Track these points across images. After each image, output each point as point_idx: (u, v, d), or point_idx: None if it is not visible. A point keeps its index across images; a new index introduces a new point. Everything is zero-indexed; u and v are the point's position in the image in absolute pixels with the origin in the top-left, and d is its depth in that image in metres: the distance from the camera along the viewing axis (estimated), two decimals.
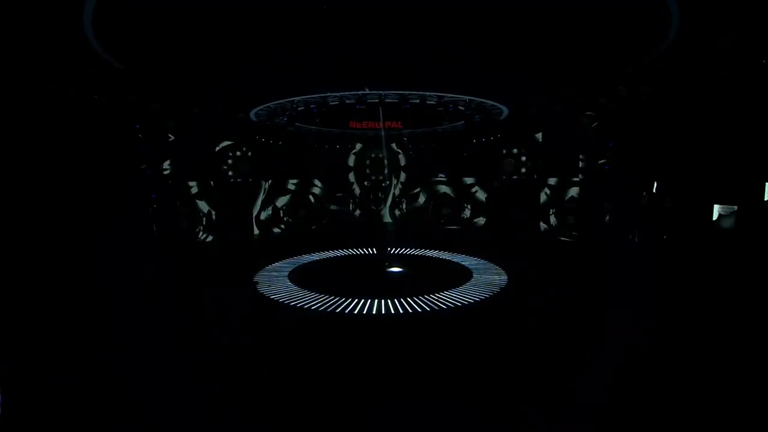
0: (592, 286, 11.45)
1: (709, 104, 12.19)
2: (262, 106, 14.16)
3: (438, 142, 20.47)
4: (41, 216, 11.94)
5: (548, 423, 5.36)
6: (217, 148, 18.21)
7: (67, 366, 7.02)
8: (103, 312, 9.64)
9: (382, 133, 16.84)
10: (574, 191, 16.98)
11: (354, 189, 21.74)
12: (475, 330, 8.73)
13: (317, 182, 21.19)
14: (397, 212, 21.91)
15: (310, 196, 21.08)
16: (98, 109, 13.24)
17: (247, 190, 19.17)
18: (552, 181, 17.76)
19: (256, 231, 19.63)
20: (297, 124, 15.90)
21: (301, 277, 12.92)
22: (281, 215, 20.42)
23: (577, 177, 16.68)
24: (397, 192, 21.81)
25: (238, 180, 18.88)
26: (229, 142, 18.47)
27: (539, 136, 18.04)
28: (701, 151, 12.59)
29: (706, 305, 9.57)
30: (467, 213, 20.92)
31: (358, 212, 21.85)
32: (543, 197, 18.17)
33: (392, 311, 9.76)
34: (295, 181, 20.64)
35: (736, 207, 11.97)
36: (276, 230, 20.07)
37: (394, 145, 21.30)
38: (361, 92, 12.76)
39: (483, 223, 20.57)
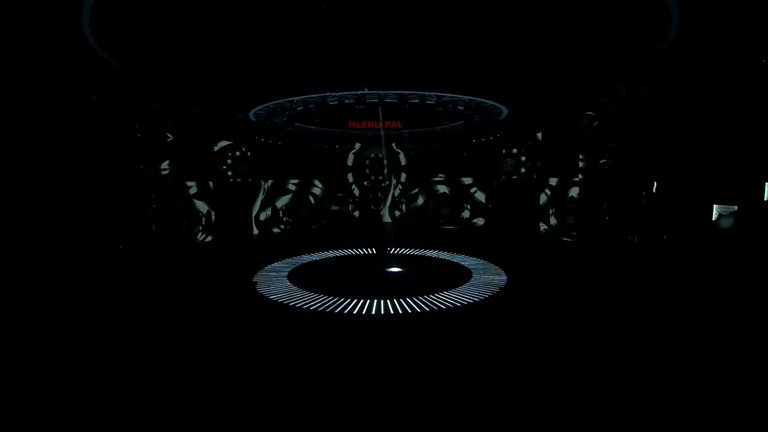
0: (592, 286, 11.45)
1: (709, 104, 12.19)
2: (261, 106, 14.13)
3: (437, 142, 20.48)
4: (41, 216, 11.92)
5: (548, 423, 5.35)
6: (216, 148, 18.19)
7: (67, 366, 7.02)
8: (103, 312, 9.62)
9: (382, 133, 16.83)
10: (573, 191, 16.97)
11: (353, 189, 21.74)
12: (474, 330, 8.71)
13: (317, 182, 21.19)
14: (397, 213, 21.92)
15: (310, 197, 21.08)
16: (97, 109, 13.22)
17: (247, 191, 19.16)
18: (553, 181, 17.75)
19: (255, 231, 19.62)
20: (296, 124, 15.87)
21: (300, 277, 12.91)
22: (281, 215, 20.41)
23: (577, 177, 16.66)
24: (397, 192, 21.82)
25: (238, 180, 18.86)
26: (228, 142, 18.45)
27: (539, 136, 18.03)
28: (701, 151, 12.58)
29: (705, 305, 9.56)
30: (467, 213, 20.93)
31: (357, 213, 21.85)
32: (543, 197, 18.17)
33: (391, 311, 9.75)
34: (294, 181, 20.63)
35: (735, 207, 11.97)
36: (276, 230, 20.07)
37: (393, 145, 21.31)
38: (360, 92, 12.73)
39: (482, 223, 20.58)
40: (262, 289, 11.67)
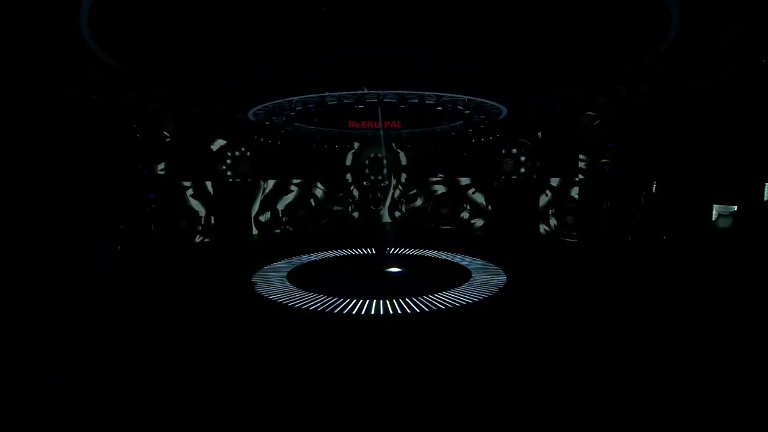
0: (591, 286, 11.44)
1: (709, 104, 12.18)
2: (260, 106, 14.12)
3: (437, 142, 20.49)
4: (41, 216, 11.91)
5: (548, 423, 5.35)
6: (215, 148, 18.18)
7: (67, 366, 7.00)
8: (103, 312, 9.61)
9: (381, 133, 16.83)
10: (573, 191, 16.96)
11: (352, 189, 21.74)
12: (474, 330, 8.70)
13: (316, 182, 21.19)
14: (397, 214, 21.93)
15: (311, 200, 21.08)
16: (97, 109, 13.20)
17: (246, 191, 19.16)
18: (554, 182, 17.74)
19: (254, 231, 19.63)
20: (296, 123, 15.86)
21: (299, 277, 12.90)
22: (280, 216, 20.41)
23: (577, 177, 16.66)
24: (397, 193, 21.83)
25: (237, 180, 18.86)
26: (227, 142, 18.45)
27: (539, 136, 18.03)
28: (701, 151, 12.57)
29: (705, 305, 9.56)
30: (466, 213, 20.94)
31: (356, 214, 21.84)
32: (543, 197, 18.17)
33: (390, 312, 9.74)
34: (292, 181, 20.62)
35: (734, 207, 11.96)
36: (276, 231, 20.07)
37: (393, 145, 21.32)
38: (360, 92, 12.72)
39: (481, 224, 20.59)
40: (261, 289, 11.65)
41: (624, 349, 7.40)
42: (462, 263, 14.56)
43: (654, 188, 13.50)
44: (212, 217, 17.87)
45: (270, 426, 5.46)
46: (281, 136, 19.07)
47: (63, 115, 12.42)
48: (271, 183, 20.15)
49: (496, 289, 11.39)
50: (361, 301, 10.36)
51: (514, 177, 19.07)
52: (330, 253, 16.46)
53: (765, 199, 11.15)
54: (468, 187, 20.80)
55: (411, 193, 21.82)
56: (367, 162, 21.46)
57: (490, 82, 12.21)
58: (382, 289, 11.39)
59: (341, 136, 19.56)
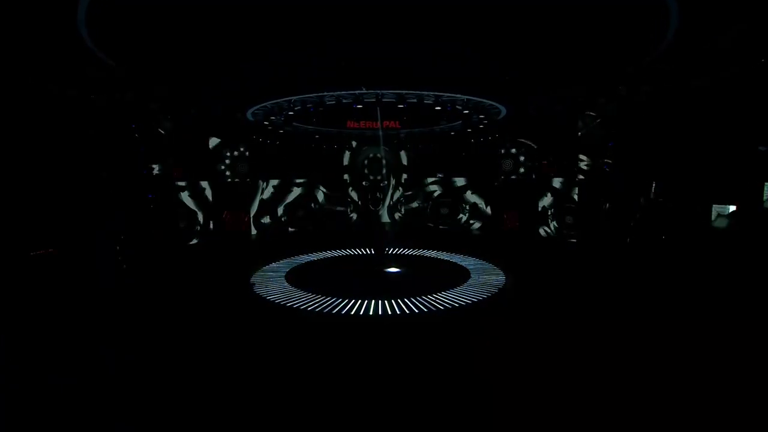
0: (591, 287, 11.44)
1: (709, 104, 12.17)
2: (258, 106, 14.10)
3: (436, 142, 20.51)
4: (41, 216, 11.90)
5: (548, 423, 5.35)
6: (214, 148, 18.16)
7: (67, 366, 6.99)
8: (103, 312, 9.59)
9: (380, 132, 16.81)
10: (573, 191, 16.96)
11: (350, 190, 21.72)
12: (474, 330, 8.70)
13: (315, 182, 21.17)
14: (397, 216, 21.92)
15: (312, 203, 21.08)
16: (97, 108, 13.18)
17: (245, 190, 19.14)
18: (556, 182, 17.72)
19: (253, 231, 19.61)
20: (294, 123, 15.84)
21: (298, 277, 12.88)
22: (279, 216, 20.40)
23: (577, 177, 16.65)
24: (396, 193, 21.83)
25: (236, 180, 18.85)
26: (226, 142, 18.43)
27: (538, 136, 18.03)
28: (700, 151, 12.57)
29: (705, 305, 9.55)
30: (465, 213, 20.94)
31: (354, 215, 21.83)
32: (541, 197, 18.16)
33: (389, 312, 9.73)
34: (288, 180, 20.57)
35: (733, 207, 11.97)
36: (271, 228, 20.05)
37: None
38: (358, 92, 12.69)
39: (480, 224, 20.58)
40: (260, 289, 11.63)
41: (624, 349, 7.39)
42: (461, 263, 14.56)
43: (653, 188, 13.50)
44: (211, 222, 17.85)
45: (269, 426, 5.44)
46: (280, 135, 19.06)
47: (63, 115, 12.40)
48: (270, 183, 20.12)
49: (495, 289, 11.40)
50: (360, 301, 10.35)
51: (513, 177, 19.06)
52: (329, 254, 16.45)
53: (765, 198, 11.16)
54: (467, 187, 20.78)
55: (410, 193, 21.80)
56: (366, 162, 21.43)
57: (490, 81, 12.20)
58: (381, 290, 11.38)
59: (340, 136, 19.55)
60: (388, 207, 21.94)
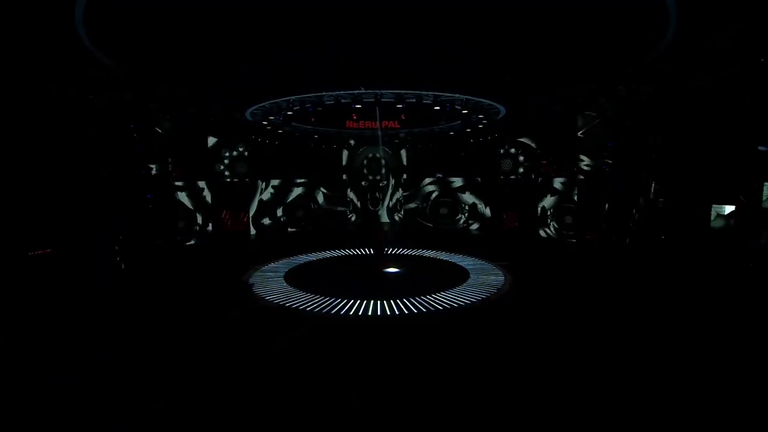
0: (591, 287, 11.44)
1: (709, 104, 12.18)
2: (257, 106, 14.07)
3: (435, 141, 20.52)
4: (41, 216, 11.89)
5: (548, 423, 5.33)
6: (212, 148, 18.12)
7: (67, 366, 6.95)
8: (103, 312, 9.56)
9: (379, 132, 16.79)
10: (572, 191, 16.95)
11: (348, 190, 21.69)
12: (474, 330, 8.68)
13: (314, 182, 21.14)
14: (397, 217, 21.90)
15: (312, 203, 21.05)
16: (97, 109, 13.15)
17: (244, 190, 19.11)
18: (556, 182, 17.69)
19: (252, 231, 19.57)
20: (293, 123, 15.80)
21: (296, 278, 12.85)
22: (278, 216, 20.37)
23: (577, 177, 16.65)
24: (395, 193, 21.81)
25: (235, 180, 18.81)
26: (225, 142, 18.39)
27: (537, 136, 18.02)
28: (700, 151, 12.57)
29: (704, 305, 9.55)
30: (465, 213, 20.93)
31: (353, 216, 21.80)
32: (541, 196, 18.14)
33: (388, 312, 9.70)
34: (287, 180, 20.54)
35: (732, 207, 11.97)
36: (270, 229, 20.01)
37: (393, 145, 21.29)
38: (357, 91, 12.66)
39: (479, 224, 20.57)
40: (259, 289, 11.60)
41: (623, 349, 7.38)
42: (460, 263, 14.54)
43: (653, 188, 13.49)
44: (210, 223, 17.81)
45: (269, 426, 5.42)
46: (279, 135, 19.04)
47: (63, 115, 12.37)
48: (269, 183, 20.09)
49: (494, 290, 11.38)
50: (359, 301, 10.33)
51: (512, 177, 19.05)
52: (328, 254, 16.42)
53: (765, 198, 11.16)
54: (467, 187, 20.77)
55: (410, 193, 21.78)
56: (365, 162, 21.41)
57: (489, 81, 12.18)
58: (380, 290, 11.35)
59: (339, 136, 19.53)
60: (387, 207, 21.92)
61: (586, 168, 15.96)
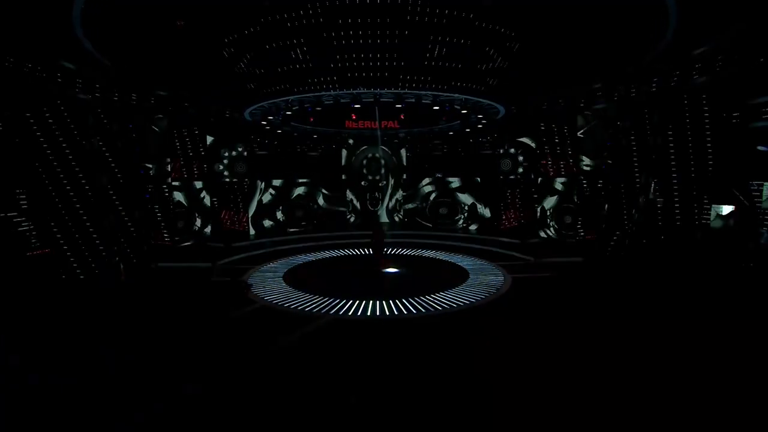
0: (591, 287, 11.42)
1: (709, 104, 12.16)
2: (255, 106, 14.01)
3: (434, 141, 20.48)
4: (41, 216, 11.90)
5: (548, 422, 5.31)
6: (211, 148, 18.06)
7: (67, 366, 6.94)
8: (103, 312, 9.55)
9: (378, 132, 16.73)
10: (571, 192, 16.89)
11: (348, 190, 21.64)
12: (474, 330, 8.66)
13: (313, 182, 21.09)
14: (397, 218, 21.85)
15: (313, 204, 21.00)
16: (94, 108, 13.15)
17: (243, 191, 19.06)
18: (556, 182, 17.61)
19: (252, 231, 19.52)
20: (292, 123, 15.74)
21: (295, 278, 12.82)
22: (277, 216, 20.33)
23: (577, 177, 16.60)
24: (394, 193, 21.76)
25: (234, 180, 18.76)
26: (224, 142, 18.34)
27: (537, 136, 17.95)
28: (700, 151, 12.55)
29: (703, 305, 9.54)
30: (464, 213, 20.88)
31: (352, 216, 21.75)
32: (539, 197, 18.08)
33: (387, 312, 9.69)
34: (283, 180, 20.46)
35: (731, 207, 11.94)
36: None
37: (392, 145, 21.23)
38: (355, 91, 12.57)
39: (478, 225, 20.52)
40: (258, 289, 11.57)
41: (623, 349, 7.37)
42: (460, 263, 14.52)
43: (652, 188, 13.46)
44: (209, 225, 17.78)
45: (267, 426, 5.41)
46: (278, 135, 19.01)
47: (63, 115, 12.37)
48: (268, 183, 20.04)
49: (493, 290, 11.36)
50: (358, 301, 10.31)
51: (511, 177, 19.00)
52: (327, 254, 16.38)
53: (764, 198, 11.13)
54: (466, 187, 20.73)
55: (409, 192, 21.73)
56: (365, 162, 21.33)
57: (488, 81, 12.15)
58: (379, 290, 11.34)
59: (338, 136, 19.48)
60: (386, 208, 21.89)
61: (586, 168, 15.92)
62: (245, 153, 18.84)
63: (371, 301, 10.26)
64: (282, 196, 20.40)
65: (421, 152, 21.32)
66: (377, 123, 15.08)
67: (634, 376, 6.39)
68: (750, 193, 11.32)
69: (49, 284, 11.24)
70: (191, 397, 5.97)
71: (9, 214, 11.17)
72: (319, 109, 13.50)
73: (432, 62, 10.82)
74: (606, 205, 14.91)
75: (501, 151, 19.14)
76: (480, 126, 16.81)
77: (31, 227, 11.64)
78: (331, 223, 21.03)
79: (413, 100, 13.09)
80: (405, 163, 21.66)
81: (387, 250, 15.31)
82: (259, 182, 19.63)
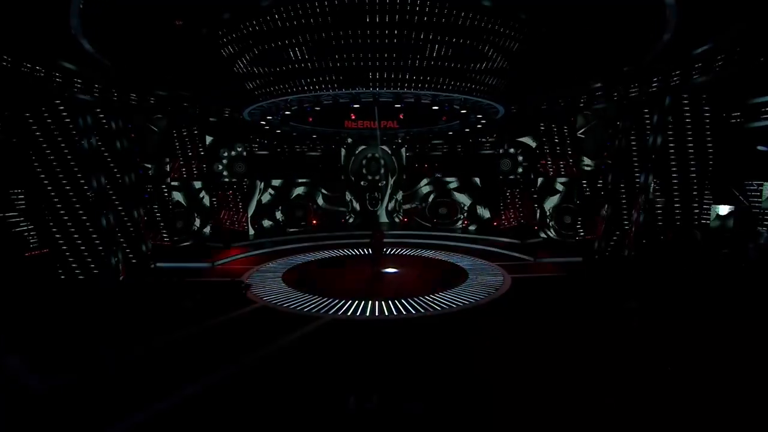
0: (591, 287, 11.42)
1: (709, 104, 12.17)
2: (254, 106, 14.00)
3: (434, 141, 20.48)
4: (41, 216, 11.88)
5: (548, 422, 5.31)
6: (211, 148, 18.03)
7: (67, 366, 6.90)
8: (103, 312, 9.52)
9: (378, 132, 16.70)
10: (570, 192, 16.90)
11: (347, 190, 21.63)
12: (474, 330, 8.66)
13: (314, 183, 21.08)
14: (397, 219, 21.84)
15: (314, 204, 20.99)
16: (93, 108, 13.11)
17: (243, 191, 19.03)
18: (555, 182, 17.61)
19: (251, 231, 19.50)
20: (291, 123, 15.72)
21: (295, 278, 12.81)
22: (277, 217, 20.31)
23: (576, 177, 16.60)
24: (394, 192, 21.76)
25: (233, 180, 18.73)
26: (223, 142, 18.31)
27: (537, 135, 17.95)
28: (700, 151, 12.56)
29: (703, 306, 9.53)
30: (464, 214, 20.88)
31: (351, 216, 21.75)
32: (540, 197, 18.09)
33: (386, 312, 9.68)
34: (282, 180, 20.43)
35: (731, 207, 11.96)
36: (265, 225, 19.96)
37: (392, 145, 21.23)
38: (355, 91, 12.55)
39: (477, 225, 20.53)
40: (257, 290, 11.55)
41: (622, 349, 7.36)
42: (459, 263, 14.52)
43: (652, 188, 13.47)
44: (208, 225, 17.75)
45: (267, 425, 5.41)
46: (277, 135, 18.99)
47: (61, 115, 12.33)
48: (268, 183, 20.02)
49: (493, 290, 11.36)
50: (357, 301, 10.30)
51: (511, 177, 19.01)
52: (326, 254, 16.37)
53: (764, 198, 11.15)
54: (465, 187, 20.73)
55: (409, 192, 21.72)
56: (364, 162, 21.32)
57: (488, 81, 12.15)
58: (379, 290, 11.33)
59: (337, 136, 19.46)
60: (386, 208, 21.89)
61: (586, 168, 15.93)
62: (244, 153, 18.82)
63: (371, 302, 10.25)
64: (281, 196, 20.39)
65: (420, 152, 21.32)
66: (377, 123, 15.07)
67: (634, 376, 6.38)
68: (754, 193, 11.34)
69: (48, 284, 11.19)
70: (191, 397, 5.95)
71: (7, 215, 11.13)
72: (318, 109, 13.49)
73: (432, 62, 10.82)
74: (606, 205, 14.90)
75: (501, 151, 19.15)
76: (479, 126, 16.82)
77: (30, 227, 11.60)
78: (330, 223, 21.05)
79: (412, 100, 13.10)
80: (405, 163, 21.65)
81: (386, 251, 15.29)
82: (258, 182, 19.61)
